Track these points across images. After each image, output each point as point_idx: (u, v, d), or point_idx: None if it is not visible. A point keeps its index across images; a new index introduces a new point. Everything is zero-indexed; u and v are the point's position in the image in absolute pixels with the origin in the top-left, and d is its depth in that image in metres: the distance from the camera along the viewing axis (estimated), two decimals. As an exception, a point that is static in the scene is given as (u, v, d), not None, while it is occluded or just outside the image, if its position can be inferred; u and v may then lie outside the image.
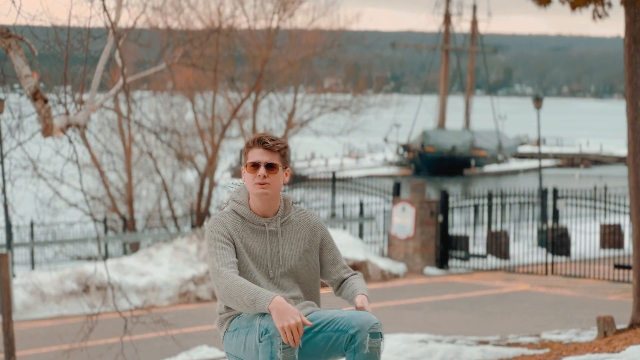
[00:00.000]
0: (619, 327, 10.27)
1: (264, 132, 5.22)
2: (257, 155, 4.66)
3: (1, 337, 10.94)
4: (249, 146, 4.71)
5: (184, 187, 29.85)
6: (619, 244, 23.09)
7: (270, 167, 4.66)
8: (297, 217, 4.80)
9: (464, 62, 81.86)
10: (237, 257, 4.64)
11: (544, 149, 77.74)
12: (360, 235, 23.63)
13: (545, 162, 76.24)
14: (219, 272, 4.53)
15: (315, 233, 4.81)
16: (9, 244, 19.79)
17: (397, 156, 75.78)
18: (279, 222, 4.74)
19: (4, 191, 13.51)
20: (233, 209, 4.72)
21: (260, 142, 4.65)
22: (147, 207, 29.33)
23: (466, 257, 21.99)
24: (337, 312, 4.58)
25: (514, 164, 78.25)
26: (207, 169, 29.46)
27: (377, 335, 4.47)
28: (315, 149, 60.84)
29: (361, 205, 23.95)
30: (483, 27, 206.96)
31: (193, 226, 27.66)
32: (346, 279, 4.83)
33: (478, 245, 22.73)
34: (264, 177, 4.63)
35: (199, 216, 28.66)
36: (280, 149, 4.68)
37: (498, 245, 22.24)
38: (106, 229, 26.22)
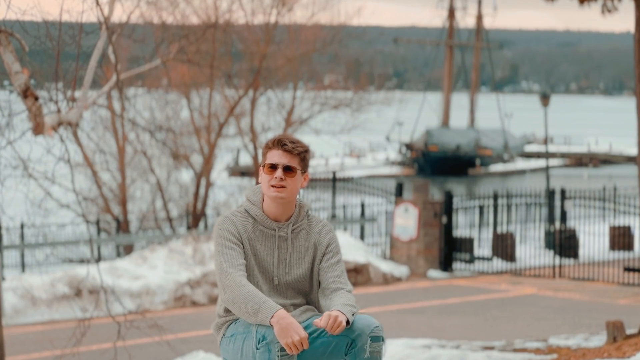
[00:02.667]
0: (628, 332, 10.18)
1: (285, 133, 5.10)
2: (276, 157, 4.56)
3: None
4: (268, 147, 4.60)
5: (180, 187, 30.02)
6: (628, 246, 23.05)
7: (288, 170, 4.55)
8: (309, 226, 4.70)
9: (468, 58, 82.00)
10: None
11: (552, 148, 77.77)
12: (362, 237, 23.48)
13: (553, 162, 76.31)
14: (227, 273, 4.45)
15: (326, 245, 4.69)
16: (-1, 246, 19.80)
17: (400, 155, 75.83)
18: (291, 228, 4.63)
19: (-7, 192, 13.30)
20: (245, 208, 4.63)
21: (280, 143, 4.57)
22: (141, 208, 29.47)
23: (471, 260, 21.83)
24: None
25: (521, 164, 78.39)
26: (204, 169, 29.53)
27: (378, 339, 4.43)
28: (315, 147, 60.84)
29: (362, 206, 23.78)
30: (488, 22, 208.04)
31: (189, 228, 27.75)
32: (335, 289, 4.63)
33: (483, 248, 22.58)
34: (281, 179, 4.53)
35: (195, 217, 28.79)
36: (300, 152, 4.59)
37: (504, 247, 22.07)
38: (99, 231, 26.28)
